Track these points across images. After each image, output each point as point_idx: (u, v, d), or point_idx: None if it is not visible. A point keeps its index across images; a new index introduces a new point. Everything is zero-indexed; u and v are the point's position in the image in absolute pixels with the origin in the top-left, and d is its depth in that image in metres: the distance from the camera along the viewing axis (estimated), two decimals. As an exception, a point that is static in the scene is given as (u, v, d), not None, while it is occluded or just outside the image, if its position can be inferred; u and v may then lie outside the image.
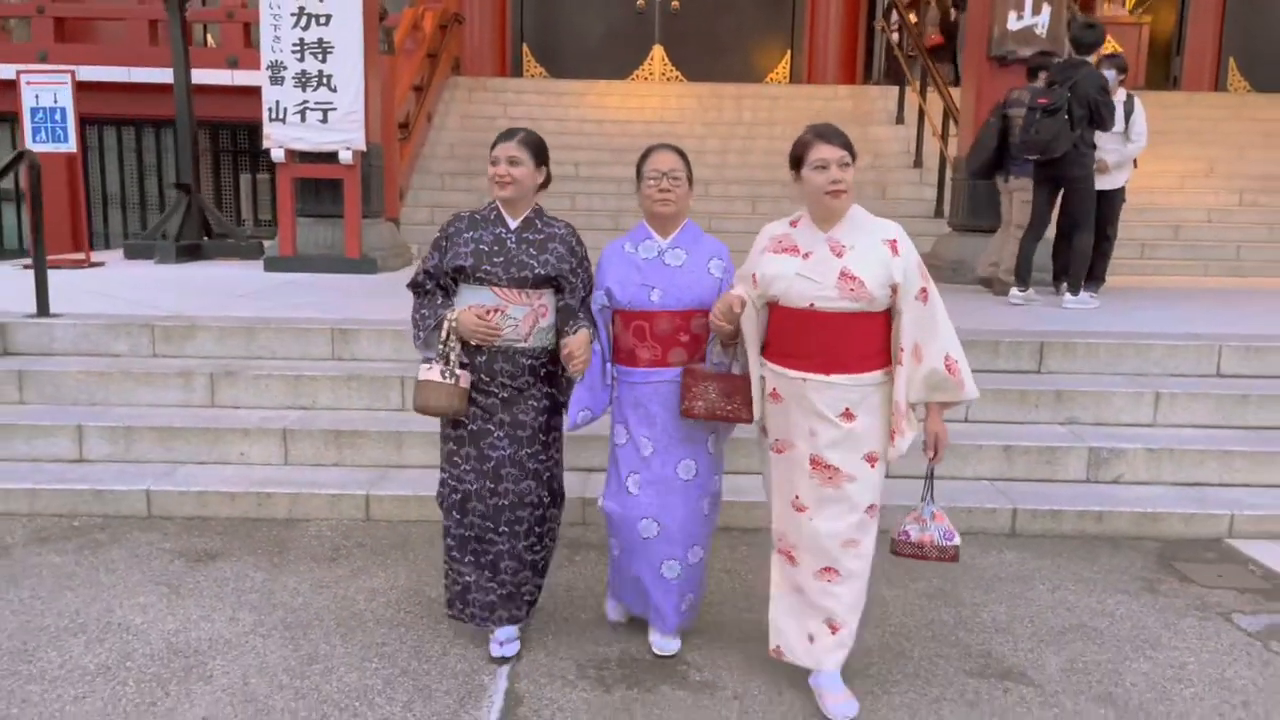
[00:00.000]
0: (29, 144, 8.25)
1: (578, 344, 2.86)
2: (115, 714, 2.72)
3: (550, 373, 3.04)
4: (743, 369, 2.90)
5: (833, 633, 2.82)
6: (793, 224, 2.85)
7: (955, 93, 9.21)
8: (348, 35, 7.65)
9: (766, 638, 2.95)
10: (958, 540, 2.87)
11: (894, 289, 2.69)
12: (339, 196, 7.99)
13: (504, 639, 3.09)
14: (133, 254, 9.05)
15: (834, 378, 2.70)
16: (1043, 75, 6.98)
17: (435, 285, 3.01)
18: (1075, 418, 4.87)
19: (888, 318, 2.75)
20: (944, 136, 9.48)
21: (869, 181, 10.25)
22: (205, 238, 9.18)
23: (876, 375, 2.73)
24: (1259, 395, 4.88)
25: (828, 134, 2.72)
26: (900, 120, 11.31)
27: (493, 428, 2.95)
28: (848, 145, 2.72)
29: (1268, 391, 4.92)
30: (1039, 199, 6.64)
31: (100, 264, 8.50)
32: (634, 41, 13.72)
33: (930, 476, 2.88)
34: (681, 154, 2.98)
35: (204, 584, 3.60)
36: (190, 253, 8.83)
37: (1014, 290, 6.76)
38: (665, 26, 13.69)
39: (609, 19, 13.71)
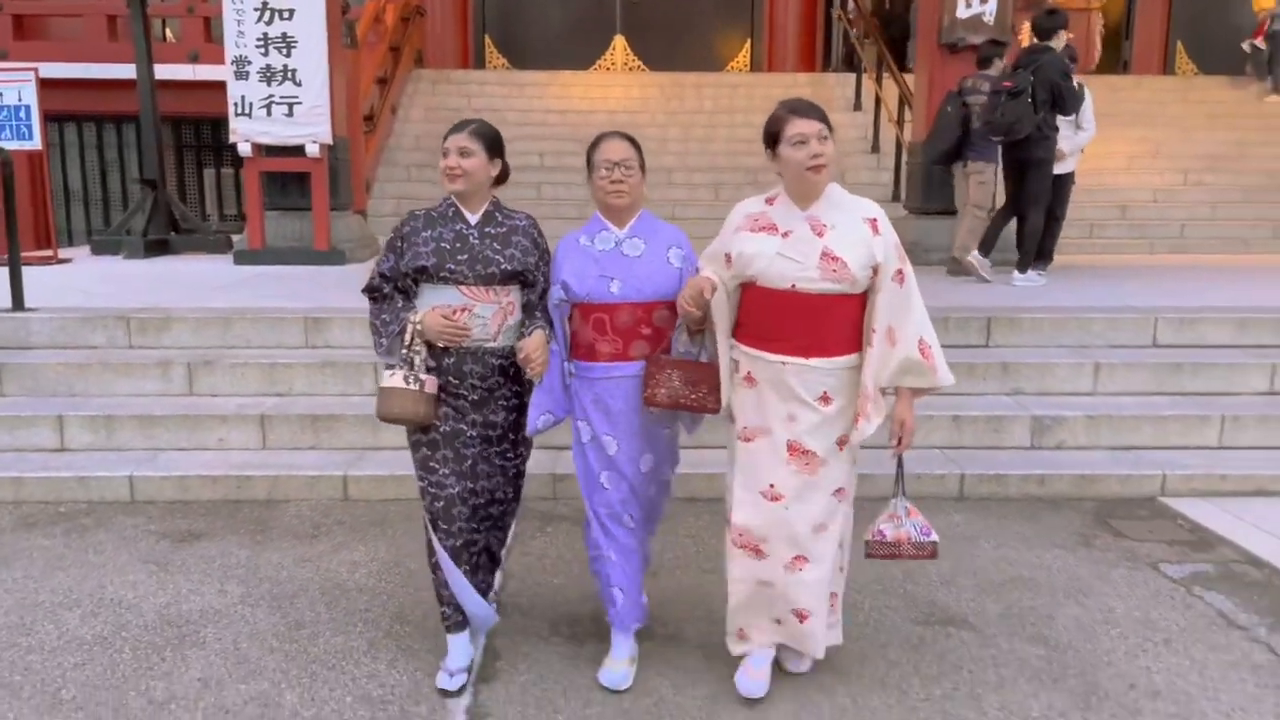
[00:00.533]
0: (-7, 142, 8.26)
1: (534, 346, 2.73)
2: (115, 678, 2.89)
3: (520, 371, 2.88)
4: (710, 357, 2.81)
5: (800, 621, 2.76)
6: (769, 201, 2.74)
7: (909, 79, 9.46)
8: (311, 29, 7.75)
9: (727, 594, 2.96)
10: (935, 536, 2.79)
11: (875, 270, 2.62)
12: (306, 190, 8.09)
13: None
14: (100, 250, 9.06)
15: (813, 361, 2.63)
16: (996, 63, 7.26)
17: (393, 288, 2.84)
18: (1020, 388, 5.13)
19: (864, 300, 2.67)
20: (899, 122, 9.74)
21: (828, 166, 10.46)
22: (172, 233, 9.21)
23: (853, 358, 2.67)
24: (1191, 364, 5.18)
25: (802, 108, 2.62)
26: (858, 107, 11.55)
27: (465, 427, 2.84)
28: (824, 118, 2.62)
29: (1200, 360, 5.21)
30: (1011, 181, 6.91)
31: (68, 260, 8.53)
32: (596, 32, 13.86)
33: (900, 468, 2.80)
34: (633, 141, 2.84)
35: (191, 561, 3.75)
36: (158, 248, 8.87)
37: (975, 253, 7.02)
38: (626, 16, 13.85)
39: (570, 9, 13.84)
